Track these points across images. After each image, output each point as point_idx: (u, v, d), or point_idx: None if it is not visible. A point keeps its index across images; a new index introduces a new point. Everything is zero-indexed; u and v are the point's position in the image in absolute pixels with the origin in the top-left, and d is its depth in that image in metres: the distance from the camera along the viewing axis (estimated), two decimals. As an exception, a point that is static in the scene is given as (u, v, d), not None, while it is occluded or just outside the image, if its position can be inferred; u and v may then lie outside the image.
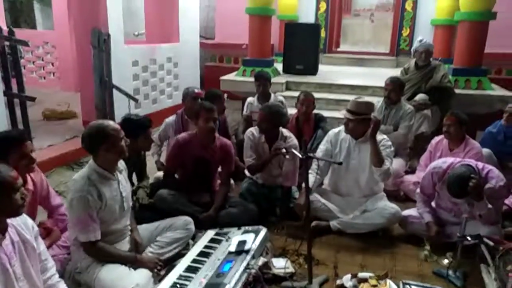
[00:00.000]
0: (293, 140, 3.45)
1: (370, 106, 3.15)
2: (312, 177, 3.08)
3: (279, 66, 6.78)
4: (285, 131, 3.50)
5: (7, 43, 3.79)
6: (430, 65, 4.95)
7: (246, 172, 3.62)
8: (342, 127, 3.30)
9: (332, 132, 3.40)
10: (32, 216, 2.43)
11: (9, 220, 1.70)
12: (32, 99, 4.03)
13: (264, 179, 3.54)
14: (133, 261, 2.36)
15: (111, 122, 2.38)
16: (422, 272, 2.71)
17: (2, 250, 1.66)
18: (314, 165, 3.22)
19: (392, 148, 3.21)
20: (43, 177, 2.64)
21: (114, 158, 2.35)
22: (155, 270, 2.39)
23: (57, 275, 1.92)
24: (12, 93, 3.83)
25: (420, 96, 4.68)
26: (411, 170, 4.18)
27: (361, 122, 3.10)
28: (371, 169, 3.14)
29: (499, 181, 2.78)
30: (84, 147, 2.34)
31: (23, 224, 1.77)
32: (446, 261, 2.72)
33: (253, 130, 3.51)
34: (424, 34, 6.34)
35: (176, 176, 3.27)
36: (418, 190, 3.19)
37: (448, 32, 7.41)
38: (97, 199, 2.26)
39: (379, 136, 3.16)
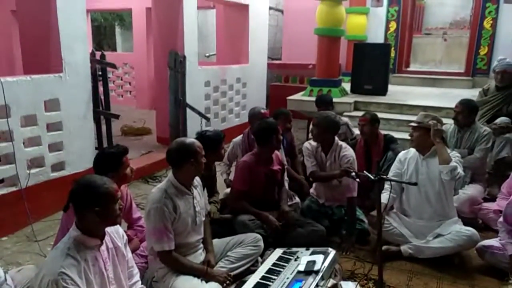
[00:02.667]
0: (348, 150, 3.45)
1: (436, 117, 3.14)
2: (386, 195, 3.01)
3: (346, 85, 6.74)
4: (340, 142, 3.51)
5: (98, 65, 4.16)
6: (514, 86, 4.64)
7: (311, 190, 3.63)
8: (411, 148, 3.28)
9: (401, 153, 3.37)
10: (116, 226, 2.64)
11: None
12: (116, 116, 4.37)
13: (326, 197, 3.55)
14: (203, 274, 2.45)
15: (195, 140, 2.53)
16: (506, 308, 2.52)
17: (100, 256, 1.82)
18: (386, 185, 3.15)
19: (461, 159, 3.12)
20: (128, 191, 2.84)
21: (194, 174, 2.49)
22: (225, 284, 2.45)
23: (140, 282, 2.05)
24: (100, 110, 4.18)
25: (502, 119, 4.39)
26: (490, 198, 3.91)
27: (425, 132, 3.07)
28: (441, 183, 3.05)
29: None
30: (169, 161, 2.50)
31: (115, 232, 1.92)
32: (533, 298, 2.51)
33: (307, 143, 3.60)
34: (504, 52, 5.99)
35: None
36: (501, 219, 2.99)
37: (532, 49, 6.92)
38: (172, 211, 2.39)
39: (448, 150, 3.09)
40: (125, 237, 1.99)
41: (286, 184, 3.53)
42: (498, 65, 4.65)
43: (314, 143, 3.54)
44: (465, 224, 3.17)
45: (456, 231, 3.00)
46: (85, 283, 1.71)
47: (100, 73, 4.15)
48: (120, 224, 2.01)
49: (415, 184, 2.76)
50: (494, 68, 4.72)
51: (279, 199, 3.34)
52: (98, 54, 4.27)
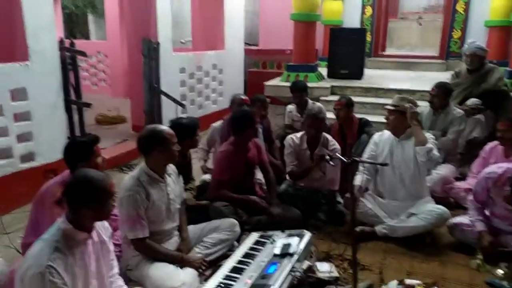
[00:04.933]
0: (335, 145, 3.45)
1: (411, 100, 3.18)
2: (360, 176, 3.06)
3: (323, 70, 6.76)
4: (326, 135, 3.51)
5: (67, 53, 4.04)
6: (484, 69, 4.73)
7: (287, 176, 3.64)
8: (385, 130, 3.32)
9: (376, 135, 3.41)
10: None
11: None
12: (88, 105, 4.27)
13: (304, 182, 3.56)
14: (179, 260, 2.44)
15: (166, 127, 2.50)
16: (474, 282, 2.59)
17: (86, 249, 1.79)
18: (361, 167, 3.22)
19: (433, 138, 3.16)
20: (101, 180, 2.79)
21: (165, 161, 2.46)
22: (200, 270, 2.45)
23: (118, 272, 2.03)
24: (71, 99, 4.08)
25: (472, 101, 4.49)
26: (462, 177, 4.02)
27: (401, 115, 3.11)
28: (415, 164, 3.10)
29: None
30: (139, 148, 2.46)
31: (102, 226, 1.89)
32: (500, 272, 2.59)
33: (293, 137, 3.54)
34: (476, 36, 6.11)
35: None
36: (470, 197, 3.07)
37: (503, 33, 7.08)
38: (145, 199, 2.36)
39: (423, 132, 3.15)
40: (110, 229, 1.96)
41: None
42: (468, 48, 4.72)
43: (298, 139, 3.51)
44: (438, 203, 3.25)
45: (428, 210, 3.08)
46: (71, 277, 1.68)
47: (70, 61, 4.02)
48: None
49: (387, 164, 2.81)
50: (464, 51, 4.79)
51: (254, 184, 3.35)
52: (67, 42, 4.14)
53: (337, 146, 3.48)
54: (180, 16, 8.97)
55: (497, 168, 2.87)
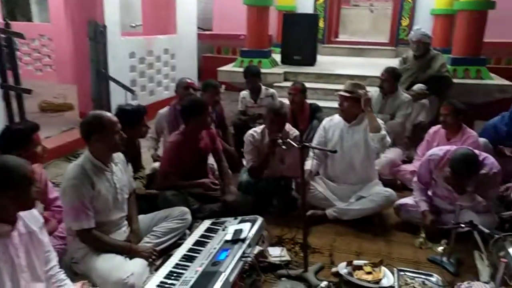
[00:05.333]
0: (296, 132, 3.44)
1: (363, 86, 3.24)
2: (310, 161, 3.09)
3: (277, 56, 6.76)
4: (286, 127, 3.46)
5: (2, 35, 3.76)
6: (429, 55, 4.93)
7: (244, 162, 3.61)
8: (333, 116, 3.37)
9: (325, 120, 3.44)
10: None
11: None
12: (28, 91, 4.02)
13: (265, 173, 3.52)
14: (127, 250, 2.37)
15: (109, 114, 2.38)
16: (417, 259, 2.73)
17: (10, 242, 1.67)
18: (311, 153, 3.26)
19: (385, 128, 3.23)
20: (42, 170, 2.65)
21: (106, 150, 2.35)
22: (150, 260, 2.40)
23: (57, 266, 1.93)
24: (8, 85, 3.82)
25: (418, 86, 4.67)
26: (409, 160, 4.19)
27: (355, 101, 3.16)
28: (365, 149, 3.19)
29: (494, 168, 2.81)
30: (80, 134, 2.36)
31: (30, 216, 1.77)
32: (440, 248, 2.73)
33: (253, 132, 3.44)
34: (423, 24, 6.31)
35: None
36: (415, 178, 3.21)
37: (447, 21, 7.37)
38: (90, 188, 2.27)
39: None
40: (41, 220, 1.84)
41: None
42: (414, 34, 4.89)
43: (258, 134, 3.40)
44: (385, 185, 3.37)
45: (376, 192, 3.18)
46: None
47: (5, 44, 3.74)
48: (35, 206, 1.86)
49: (335, 151, 2.84)
50: (411, 38, 4.96)
51: (207, 172, 3.31)
52: (1, 23, 3.85)
53: (297, 133, 3.37)
54: (130, 0, 8.61)
55: (439, 150, 3.02)
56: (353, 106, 3.19)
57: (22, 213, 1.74)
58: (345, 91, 3.21)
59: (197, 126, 3.11)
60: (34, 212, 1.83)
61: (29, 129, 2.40)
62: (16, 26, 5.02)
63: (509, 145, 3.61)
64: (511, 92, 5.26)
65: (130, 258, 2.34)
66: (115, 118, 2.37)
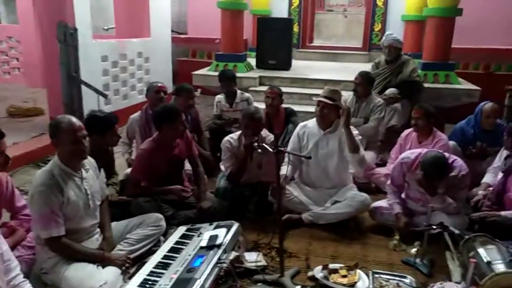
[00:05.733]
0: (272, 137, 3.43)
1: (341, 95, 3.25)
2: (285, 166, 3.08)
3: (252, 61, 6.77)
4: (263, 132, 3.45)
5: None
6: (400, 60, 5.04)
7: (221, 167, 3.57)
8: (307, 122, 3.37)
9: (298, 126, 3.43)
10: (-4, 217, 2.37)
11: None
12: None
13: (243, 179, 3.48)
14: (100, 259, 2.31)
15: (71, 119, 2.29)
16: (391, 261, 2.76)
17: None
18: (286, 158, 3.20)
19: (360, 137, 3.29)
20: (8, 178, 2.55)
21: (70, 154, 2.27)
22: (124, 268, 2.34)
23: (21, 275, 1.86)
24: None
25: (390, 90, 4.76)
26: (382, 163, 4.25)
27: (334, 109, 3.17)
28: (339, 156, 3.22)
29: (462, 170, 2.89)
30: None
31: None
32: (414, 250, 2.78)
33: (230, 139, 3.41)
34: (395, 30, 6.46)
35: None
36: (388, 181, 3.26)
37: (417, 27, 7.57)
38: (59, 194, 2.20)
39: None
40: None
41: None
42: (385, 40, 5.01)
43: (235, 141, 3.37)
44: (360, 189, 3.41)
45: (351, 197, 3.20)
46: None
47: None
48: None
49: (309, 157, 2.86)
50: (382, 43, 5.06)
51: (183, 179, 3.26)
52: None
53: (272, 137, 3.36)
54: (103, 2, 8.46)
55: (411, 153, 3.08)
56: (331, 113, 3.19)
57: None
58: (326, 97, 3.17)
59: (170, 133, 3.04)
60: None
61: None
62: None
63: (475, 147, 3.73)
64: (478, 97, 5.43)
65: (103, 267, 2.28)
66: (76, 124, 2.27)
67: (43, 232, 2.19)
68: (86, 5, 5.08)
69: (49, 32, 4.84)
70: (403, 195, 3.22)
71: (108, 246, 2.47)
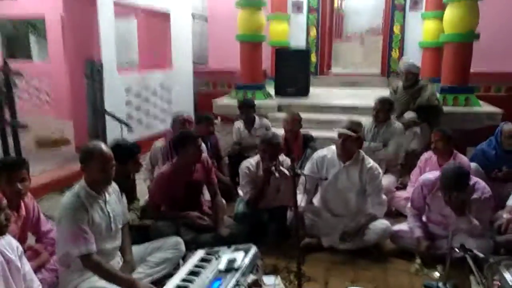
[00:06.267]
0: (289, 162, 3.44)
1: (362, 126, 3.26)
2: (300, 196, 3.07)
3: (271, 89, 6.90)
4: (280, 157, 3.46)
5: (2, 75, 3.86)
6: (418, 85, 5.05)
7: (240, 192, 3.60)
8: (326, 151, 3.33)
9: (316, 155, 3.37)
10: (23, 241, 2.46)
11: None
12: (24, 126, 4.08)
13: (262, 203, 3.47)
14: (129, 285, 2.29)
15: (103, 147, 2.40)
16: (413, 286, 2.70)
17: None
18: (301, 186, 3.13)
19: (381, 174, 3.25)
20: (35, 203, 2.67)
21: (97, 180, 2.37)
22: None
23: None
24: (4, 120, 3.88)
25: (408, 114, 4.76)
26: (402, 186, 4.20)
27: (355, 141, 3.14)
28: (360, 189, 3.19)
29: (485, 193, 2.83)
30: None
31: (7, 245, 1.78)
32: (436, 274, 2.71)
33: (248, 164, 3.44)
34: (413, 55, 6.52)
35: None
36: (408, 204, 3.22)
37: (435, 53, 7.56)
38: (86, 214, 2.29)
39: (371, 163, 3.19)
40: (20, 249, 1.85)
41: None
42: (403, 65, 5.06)
43: (253, 166, 3.41)
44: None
45: (372, 224, 3.13)
46: None
47: (4, 81, 3.84)
48: (16, 236, 1.87)
49: (326, 179, 2.84)
50: (400, 69, 5.10)
51: (201, 204, 3.31)
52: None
53: (290, 161, 3.41)
54: (128, 37, 8.85)
55: (431, 175, 3.05)
56: (353, 145, 3.14)
57: None
58: (350, 130, 3.10)
59: (186, 157, 3.11)
60: (12, 241, 1.84)
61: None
62: (16, 64, 5.16)
63: (499, 169, 3.65)
64: (499, 119, 5.34)
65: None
66: (108, 154, 2.38)
67: (74, 249, 2.23)
68: (111, 42, 5.35)
69: (77, 69, 5.13)
70: (424, 219, 3.16)
71: (129, 269, 2.51)
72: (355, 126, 3.15)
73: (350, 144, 3.13)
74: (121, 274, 2.36)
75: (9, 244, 1.80)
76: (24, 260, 1.85)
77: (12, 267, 1.76)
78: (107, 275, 2.29)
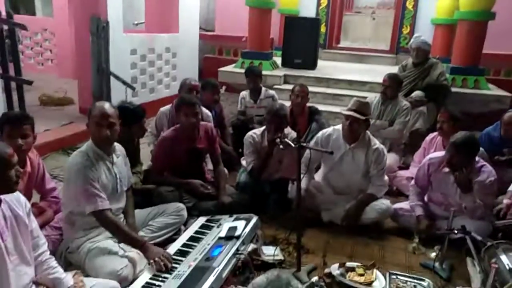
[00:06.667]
0: (294, 134, 3.43)
1: (370, 106, 3.19)
2: (305, 179, 3.05)
3: (278, 59, 6.80)
4: (286, 130, 3.45)
5: (5, 27, 3.77)
6: (427, 63, 4.97)
7: (243, 162, 3.61)
8: (331, 130, 3.29)
9: (321, 134, 3.33)
10: (28, 197, 2.46)
11: (2, 196, 1.72)
12: (29, 82, 4.03)
13: (264, 175, 3.48)
14: (139, 246, 2.31)
15: (104, 106, 2.38)
16: (410, 264, 2.74)
17: None
18: (303, 165, 2.99)
19: (386, 159, 3.22)
20: (40, 161, 2.67)
21: (100, 138, 2.35)
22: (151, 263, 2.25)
23: (48, 252, 1.94)
24: (9, 76, 3.83)
25: (416, 93, 4.71)
26: (405, 166, 4.20)
27: (363, 123, 3.09)
28: (364, 171, 3.18)
29: (491, 176, 2.83)
30: None
31: (15, 201, 1.78)
32: (433, 254, 2.75)
33: (253, 134, 3.42)
34: (424, 33, 6.35)
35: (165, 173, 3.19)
36: (412, 182, 3.23)
37: (448, 31, 7.42)
38: (95, 172, 2.31)
39: (377, 144, 3.16)
40: (28, 205, 1.85)
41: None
42: (414, 42, 4.94)
43: (258, 136, 3.39)
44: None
45: (373, 204, 3.13)
46: None
47: (7, 34, 3.75)
48: (22, 192, 1.87)
49: (331, 153, 2.79)
50: (410, 45, 5.00)
51: (204, 171, 3.31)
52: (3, 14, 3.86)
53: (295, 134, 3.33)
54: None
55: (439, 153, 3.06)
56: (360, 127, 3.08)
57: (7, 198, 1.75)
58: (355, 110, 3.02)
59: (181, 123, 3.08)
60: (21, 197, 1.84)
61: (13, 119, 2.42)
62: (20, 19, 5.04)
63: (502, 153, 3.65)
64: (508, 103, 5.29)
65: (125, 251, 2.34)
66: (107, 111, 2.34)
67: (87, 206, 2.25)
68: (118, 0, 5.21)
69: (82, 25, 5.02)
70: (425, 198, 3.18)
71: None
72: (363, 108, 3.08)
73: (358, 126, 3.07)
74: (134, 234, 2.39)
75: (18, 200, 1.80)
76: (32, 217, 1.86)
77: (20, 223, 1.78)
78: (120, 232, 2.32)
